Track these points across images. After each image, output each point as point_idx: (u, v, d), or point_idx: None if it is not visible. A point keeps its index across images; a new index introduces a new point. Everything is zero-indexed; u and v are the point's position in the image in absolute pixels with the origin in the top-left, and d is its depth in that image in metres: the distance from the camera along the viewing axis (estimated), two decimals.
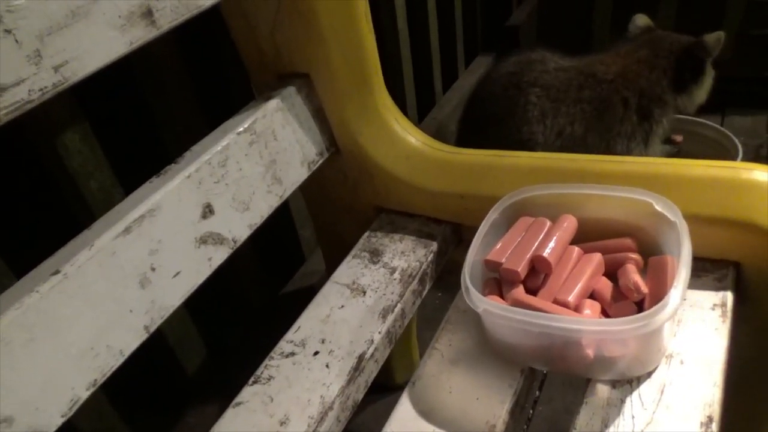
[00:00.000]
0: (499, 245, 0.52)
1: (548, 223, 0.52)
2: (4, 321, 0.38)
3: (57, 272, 0.41)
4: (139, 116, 0.66)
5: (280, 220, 0.91)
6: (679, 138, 1.10)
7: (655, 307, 0.40)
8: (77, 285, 0.42)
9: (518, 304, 0.46)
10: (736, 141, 1.10)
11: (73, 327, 0.42)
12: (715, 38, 0.96)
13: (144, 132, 0.67)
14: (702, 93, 1.01)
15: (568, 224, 0.52)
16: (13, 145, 0.57)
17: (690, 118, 1.12)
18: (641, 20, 1.05)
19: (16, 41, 0.38)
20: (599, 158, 0.57)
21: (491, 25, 1.58)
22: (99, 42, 0.43)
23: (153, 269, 0.47)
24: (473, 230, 0.57)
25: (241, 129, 0.55)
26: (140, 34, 0.45)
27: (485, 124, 1.02)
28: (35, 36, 0.39)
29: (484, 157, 0.63)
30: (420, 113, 1.29)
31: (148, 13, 0.46)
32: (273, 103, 0.59)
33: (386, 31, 1.10)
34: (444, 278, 0.65)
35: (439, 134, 1.30)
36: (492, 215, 0.54)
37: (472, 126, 1.08)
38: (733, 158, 1.08)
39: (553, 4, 1.61)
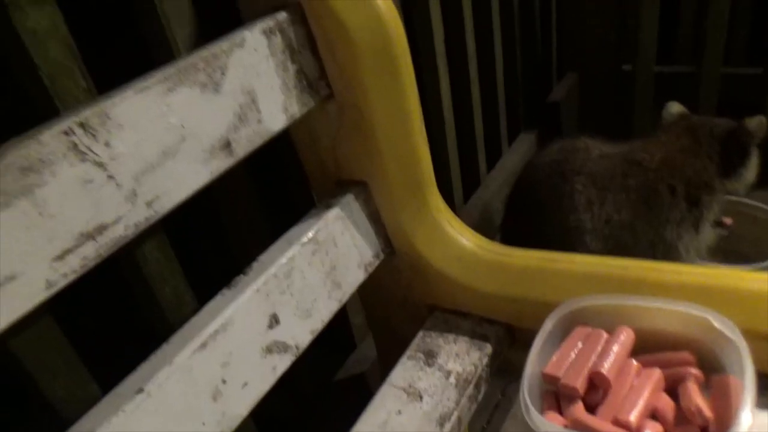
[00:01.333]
0: (555, 357, 0.53)
1: (605, 335, 0.53)
2: None
3: (141, 390, 0.44)
4: (208, 222, 0.70)
5: None
6: (728, 221, 1.09)
7: None
8: (159, 402, 0.45)
9: (579, 425, 0.46)
10: None
11: None
12: (756, 122, 0.96)
13: (211, 235, 0.71)
14: (750, 174, 1.00)
15: (626, 337, 0.52)
16: None
17: (739, 199, 1.12)
18: (675, 108, 1.06)
19: (117, 184, 0.42)
20: (654, 266, 0.58)
21: (532, 102, 1.62)
22: (185, 176, 0.47)
23: (224, 382, 0.50)
24: (527, 331, 0.58)
25: (305, 240, 0.58)
26: (220, 164, 0.50)
27: (531, 213, 1.04)
28: (132, 177, 0.43)
29: (537, 261, 0.64)
30: (465, 194, 1.32)
31: (226, 145, 0.50)
32: (333, 212, 0.62)
33: (432, 118, 1.15)
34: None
35: (485, 214, 1.32)
36: (547, 325, 0.55)
37: (517, 215, 1.10)
38: None
39: (593, 81, 1.64)
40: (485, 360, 0.63)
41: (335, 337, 0.96)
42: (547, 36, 1.67)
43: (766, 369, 0.50)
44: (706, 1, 1.38)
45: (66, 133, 0.39)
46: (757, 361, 0.46)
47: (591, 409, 0.49)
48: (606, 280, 0.59)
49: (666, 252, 0.97)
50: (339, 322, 0.96)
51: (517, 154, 1.49)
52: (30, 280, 0.38)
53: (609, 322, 0.54)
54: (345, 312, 0.95)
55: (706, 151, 0.97)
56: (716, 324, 0.49)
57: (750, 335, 0.48)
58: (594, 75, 1.64)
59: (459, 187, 1.27)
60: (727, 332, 0.48)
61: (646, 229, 0.97)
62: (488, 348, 0.64)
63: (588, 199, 0.98)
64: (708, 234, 1.00)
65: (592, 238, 0.98)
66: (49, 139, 0.39)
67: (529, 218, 1.05)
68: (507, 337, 0.67)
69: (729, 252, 1.14)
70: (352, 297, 0.97)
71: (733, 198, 1.07)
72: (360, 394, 0.95)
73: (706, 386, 0.49)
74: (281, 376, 0.57)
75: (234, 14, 0.61)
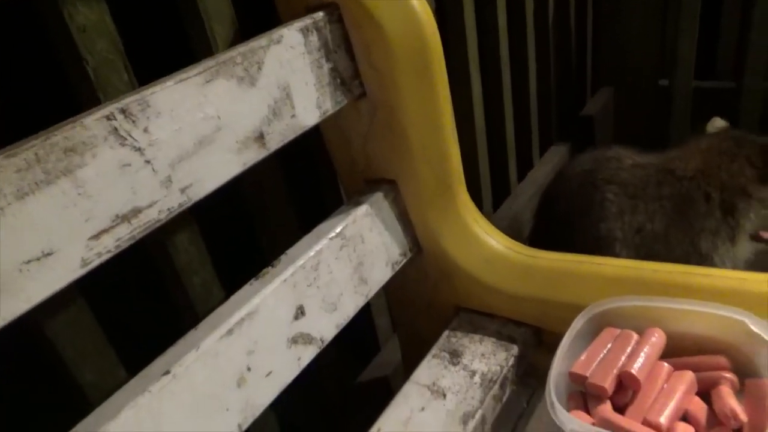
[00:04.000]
0: (583, 357, 0.52)
1: (635, 337, 0.52)
2: (120, 418, 0.42)
3: (167, 372, 0.45)
4: (239, 214, 0.72)
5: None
6: (766, 234, 1.05)
7: None
8: (185, 385, 0.45)
9: (606, 424, 0.45)
10: None
11: (177, 425, 0.45)
12: None
13: (240, 228, 0.73)
14: None
15: (657, 339, 0.51)
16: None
17: None
18: (718, 122, 1.04)
19: (153, 170, 0.44)
20: (684, 269, 0.57)
21: (565, 114, 1.61)
22: (219, 165, 0.48)
23: (249, 369, 0.50)
24: (554, 334, 0.57)
25: (333, 234, 0.59)
26: (253, 156, 0.51)
27: (561, 222, 1.03)
28: (168, 164, 0.45)
29: (564, 263, 0.64)
30: (495, 203, 1.31)
31: (260, 137, 0.52)
32: (362, 209, 0.63)
33: (463, 125, 1.15)
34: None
35: (514, 224, 1.31)
36: (576, 325, 0.54)
37: (547, 224, 1.08)
38: None
39: (629, 96, 1.62)
40: (511, 361, 0.62)
41: (359, 339, 0.96)
42: (582, 49, 1.66)
43: None
44: (748, 15, 1.36)
45: (108, 118, 0.41)
46: None
47: (619, 410, 0.48)
48: (635, 282, 0.58)
49: (700, 263, 0.94)
50: (363, 324, 0.96)
51: (548, 165, 1.48)
52: (66, 256, 0.39)
53: (639, 325, 0.53)
54: (369, 313, 0.96)
55: (745, 154, 0.95)
56: (753, 327, 0.48)
57: None
58: (630, 89, 1.62)
59: (489, 196, 1.27)
60: (765, 335, 0.47)
61: (680, 239, 0.95)
62: (515, 349, 0.63)
63: (620, 208, 0.96)
64: (745, 246, 0.97)
65: (622, 247, 0.96)
66: (92, 122, 0.40)
67: (559, 226, 1.04)
68: (534, 340, 0.66)
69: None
70: (377, 298, 0.98)
71: None
72: (383, 397, 0.94)
73: (740, 390, 0.48)
74: (306, 374, 0.58)
75: (272, 14, 0.63)
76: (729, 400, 0.45)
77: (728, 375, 0.48)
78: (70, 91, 0.54)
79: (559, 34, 1.50)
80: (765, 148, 0.95)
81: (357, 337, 0.96)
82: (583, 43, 1.66)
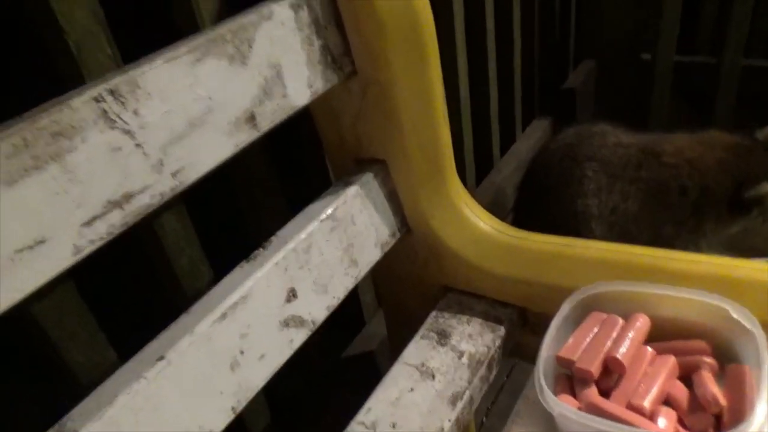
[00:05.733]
0: (570, 341, 0.53)
1: (621, 321, 0.53)
2: (117, 404, 0.42)
3: (162, 358, 0.45)
4: (225, 193, 0.70)
5: None
6: None
7: (740, 427, 0.41)
8: (179, 370, 0.45)
9: (593, 408, 0.47)
10: None
11: (173, 410, 0.45)
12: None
13: (226, 206, 0.72)
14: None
15: (642, 324, 0.53)
16: None
17: None
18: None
19: (144, 153, 0.42)
20: (671, 255, 0.58)
21: (548, 87, 1.61)
22: (211, 147, 0.47)
23: (242, 352, 0.50)
24: (539, 315, 0.59)
25: (324, 216, 0.59)
26: (244, 137, 0.50)
27: (541, 194, 1.04)
28: (159, 147, 0.43)
29: (552, 245, 0.64)
30: (478, 177, 1.31)
31: (251, 118, 0.50)
32: (352, 190, 0.62)
33: (449, 98, 1.14)
34: None
35: (497, 197, 1.32)
36: (564, 310, 0.55)
37: (529, 195, 1.09)
38: None
39: (611, 69, 1.63)
40: (498, 342, 0.63)
41: (345, 314, 0.97)
42: (566, 21, 1.65)
43: None
44: None
45: (96, 100, 0.39)
46: None
47: (604, 393, 0.49)
48: (622, 267, 0.59)
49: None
50: (349, 300, 0.97)
51: (530, 139, 1.48)
52: (58, 244, 0.38)
53: (625, 309, 0.54)
54: (355, 289, 0.96)
55: (738, 179, 0.92)
56: (734, 314, 0.49)
57: (764, 327, 0.48)
58: (612, 63, 1.62)
59: (472, 170, 1.27)
60: (746, 323, 0.48)
61: (649, 222, 0.96)
62: (501, 330, 0.65)
63: (597, 185, 0.98)
64: (711, 235, 0.98)
65: (597, 225, 0.97)
66: (80, 104, 0.39)
67: (540, 200, 1.05)
68: (520, 320, 0.68)
69: (744, 249, 1.12)
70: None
71: None
72: (368, 371, 0.96)
73: (720, 375, 0.49)
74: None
75: None
76: (710, 385, 0.47)
77: (709, 360, 0.50)
78: (51, 64, 0.52)
79: (543, 6, 1.48)
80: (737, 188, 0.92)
81: (343, 312, 0.97)
82: (567, 16, 1.65)
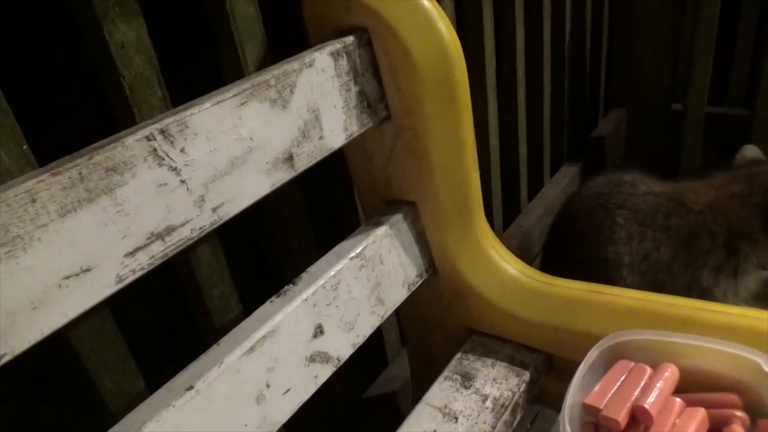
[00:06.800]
0: (597, 389, 0.53)
1: (649, 371, 0.53)
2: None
3: (191, 388, 0.46)
4: (258, 230, 0.73)
5: None
6: None
7: None
8: (207, 400, 0.46)
9: None
10: None
11: None
12: None
13: (259, 242, 0.74)
14: None
15: (670, 374, 0.52)
16: None
17: None
18: (750, 151, 1.03)
19: (188, 189, 0.45)
20: (702, 305, 0.57)
21: (577, 135, 1.62)
22: (250, 185, 0.49)
23: (268, 386, 0.51)
24: (565, 361, 0.58)
25: (353, 254, 0.60)
26: (281, 176, 0.52)
27: (572, 241, 1.04)
28: (202, 183, 0.46)
29: (580, 292, 0.64)
30: (506, 220, 1.32)
31: (289, 159, 0.53)
32: (382, 230, 0.64)
33: (478, 142, 1.16)
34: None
35: (523, 242, 1.32)
36: (591, 356, 0.55)
37: (558, 242, 1.09)
38: None
39: (642, 118, 1.63)
40: (523, 387, 0.63)
41: (368, 353, 0.97)
42: (596, 70, 1.68)
43: None
44: (762, 45, 1.37)
45: (148, 138, 0.42)
46: None
47: None
48: (651, 315, 0.58)
49: (701, 296, 0.95)
50: (373, 338, 0.97)
51: (558, 185, 1.49)
52: (103, 273, 0.40)
53: (653, 358, 0.54)
54: (380, 328, 0.96)
55: (754, 202, 0.94)
56: (766, 368, 0.48)
57: None
58: (643, 112, 1.63)
59: (500, 213, 1.28)
60: None
61: (682, 271, 0.95)
62: (526, 375, 0.64)
63: (629, 233, 0.97)
64: (750, 281, 0.97)
65: (629, 272, 0.97)
66: (133, 143, 0.41)
67: (569, 247, 1.05)
68: (545, 366, 0.67)
69: None
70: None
71: None
72: (390, 412, 0.95)
73: (750, 430, 0.48)
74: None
75: (301, 34, 0.64)
76: None
77: (740, 414, 0.49)
78: (107, 104, 0.55)
79: (574, 56, 1.51)
80: None
81: (366, 351, 0.97)
82: (597, 65, 1.67)
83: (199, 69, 0.63)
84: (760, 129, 1.44)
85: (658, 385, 0.51)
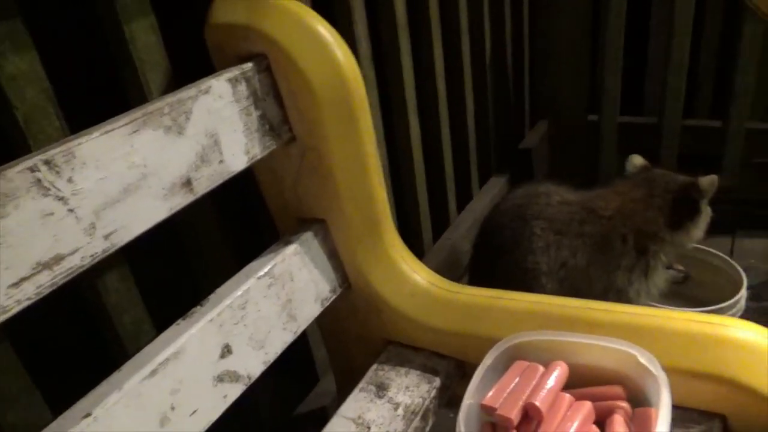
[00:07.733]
0: (494, 390, 0.56)
1: (541, 369, 0.56)
2: None
3: (88, 415, 0.46)
4: (172, 253, 0.73)
5: (294, 341, 0.95)
6: (679, 267, 1.14)
7: None
8: (105, 427, 0.47)
9: None
10: (741, 270, 1.13)
11: None
12: (708, 181, 1.01)
13: (172, 265, 0.74)
14: (698, 231, 1.04)
15: (560, 371, 0.55)
16: None
17: (699, 247, 1.16)
18: (637, 160, 1.11)
19: (77, 218, 0.45)
20: (589, 305, 0.61)
21: (504, 147, 1.68)
22: (144, 211, 0.50)
23: (173, 408, 0.52)
24: (475, 366, 0.61)
25: (261, 273, 0.61)
26: (180, 201, 0.53)
27: (495, 253, 1.08)
28: (92, 211, 0.46)
29: (483, 298, 0.68)
30: (435, 234, 1.36)
31: (187, 183, 0.54)
32: (291, 248, 0.65)
33: (402, 159, 1.20)
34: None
35: (452, 255, 1.36)
36: (488, 360, 0.58)
37: (483, 254, 1.13)
38: (738, 287, 1.10)
39: (562, 130, 1.71)
40: (433, 393, 0.65)
41: (298, 370, 0.98)
42: (520, 84, 1.75)
43: (687, 402, 0.53)
44: (667, 58, 1.46)
45: (31, 170, 0.43)
46: (677, 395, 0.50)
47: None
48: (546, 317, 0.62)
49: (618, 297, 1.00)
50: (301, 356, 0.98)
51: (487, 196, 1.54)
52: None
53: (546, 357, 0.57)
54: (308, 345, 0.97)
55: (657, 203, 1.02)
56: (642, 360, 0.52)
57: (674, 373, 0.52)
58: (563, 124, 1.71)
59: (428, 228, 1.31)
60: (651, 367, 0.51)
61: (599, 274, 1.01)
62: (437, 381, 0.67)
63: (546, 242, 1.02)
64: (659, 279, 1.03)
65: (548, 280, 1.01)
66: (15, 174, 0.42)
67: (493, 259, 1.09)
68: (457, 372, 0.70)
69: (689, 297, 1.18)
70: (315, 330, 1.00)
71: (696, 246, 1.11)
72: (320, 428, 0.96)
73: (632, 418, 0.52)
74: (239, 407, 0.60)
75: (208, 61, 0.65)
76: (618, 427, 0.49)
77: (623, 404, 0.53)
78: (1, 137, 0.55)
79: (495, 72, 1.57)
80: (675, 197, 1.02)
81: (295, 368, 0.98)
82: (520, 79, 1.74)
83: (107, 97, 0.64)
84: (668, 138, 1.53)
85: (549, 382, 0.54)
